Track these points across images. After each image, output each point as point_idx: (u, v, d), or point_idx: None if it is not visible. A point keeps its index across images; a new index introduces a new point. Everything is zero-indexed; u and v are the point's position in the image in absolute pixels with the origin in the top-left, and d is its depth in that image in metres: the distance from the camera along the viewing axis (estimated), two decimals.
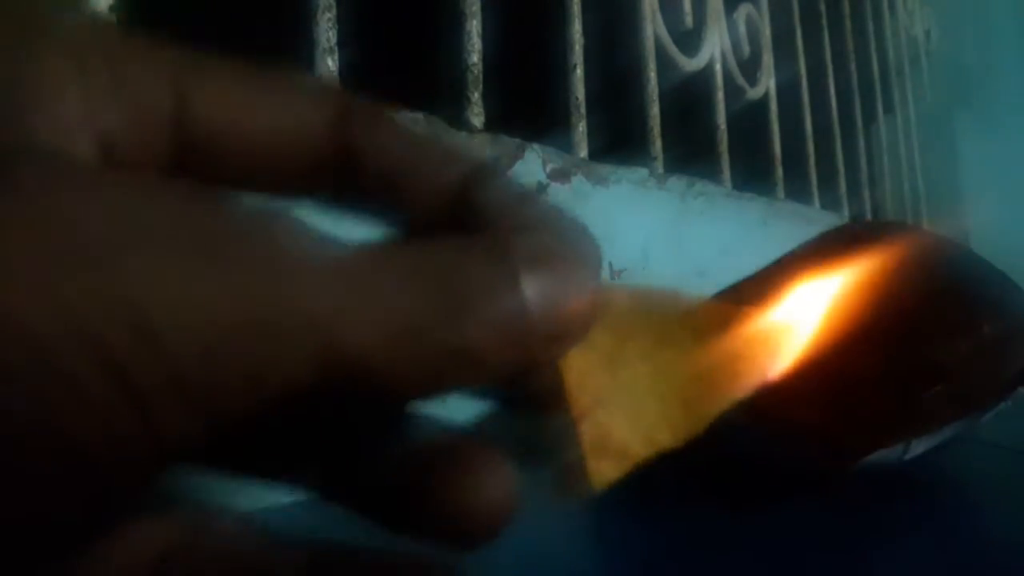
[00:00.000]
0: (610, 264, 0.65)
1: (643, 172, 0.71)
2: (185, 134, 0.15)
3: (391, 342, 0.12)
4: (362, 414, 0.15)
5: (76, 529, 0.12)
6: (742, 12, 0.91)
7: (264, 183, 0.16)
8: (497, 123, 0.60)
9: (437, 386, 0.13)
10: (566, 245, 0.14)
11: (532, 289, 0.13)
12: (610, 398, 0.15)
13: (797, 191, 0.98)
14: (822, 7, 1.10)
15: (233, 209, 0.12)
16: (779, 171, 0.95)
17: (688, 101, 0.82)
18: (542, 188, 0.62)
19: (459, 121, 0.58)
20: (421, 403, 0.15)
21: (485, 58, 0.60)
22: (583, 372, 0.15)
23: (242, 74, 0.16)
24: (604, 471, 0.16)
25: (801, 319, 0.17)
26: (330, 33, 0.51)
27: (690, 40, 0.83)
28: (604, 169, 0.67)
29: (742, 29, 0.90)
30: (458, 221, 0.15)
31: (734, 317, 0.16)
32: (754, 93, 0.92)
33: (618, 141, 0.71)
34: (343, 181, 0.16)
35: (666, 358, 0.16)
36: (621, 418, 0.15)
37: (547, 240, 0.14)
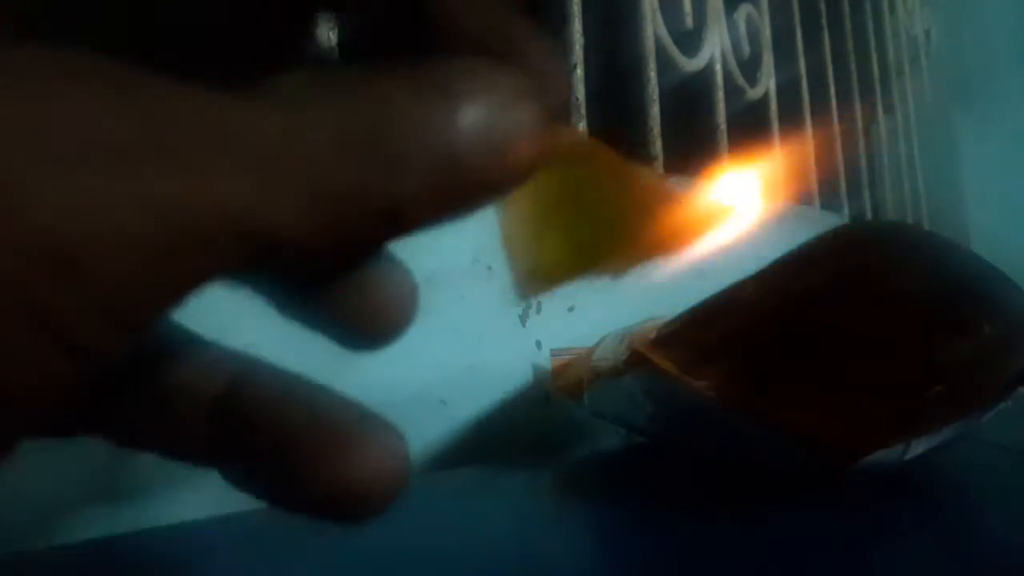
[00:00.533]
0: None
1: None
2: None
3: (316, 214, 0.12)
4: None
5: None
6: (742, 12, 0.91)
7: None
8: None
9: (364, 248, 0.14)
10: (516, 78, 0.13)
11: (470, 134, 0.12)
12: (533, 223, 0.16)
13: (797, 191, 0.98)
14: (822, 7, 1.10)
15: (135, 97, 0.11)
16: (779, 171, 0.94)
17: (688, 101, 0.82)
18: None
19: None
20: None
21: None
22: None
23: None
24: (529, 287, 0.16)
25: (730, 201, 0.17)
26: (330, 33, 0.51)
27: (690, 40, 0.83)
28: None
29: (742, 29, 0.90)
30: (416, 25, 0.14)
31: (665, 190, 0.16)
32: (754, 93, 0.92)
33: (618, 141, 0.71)
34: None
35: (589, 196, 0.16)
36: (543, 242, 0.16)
37: (497, 75, 0.13)
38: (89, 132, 0.10)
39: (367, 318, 0.16)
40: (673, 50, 0.79)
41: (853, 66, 1.16)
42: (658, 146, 0.75)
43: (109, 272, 0.10)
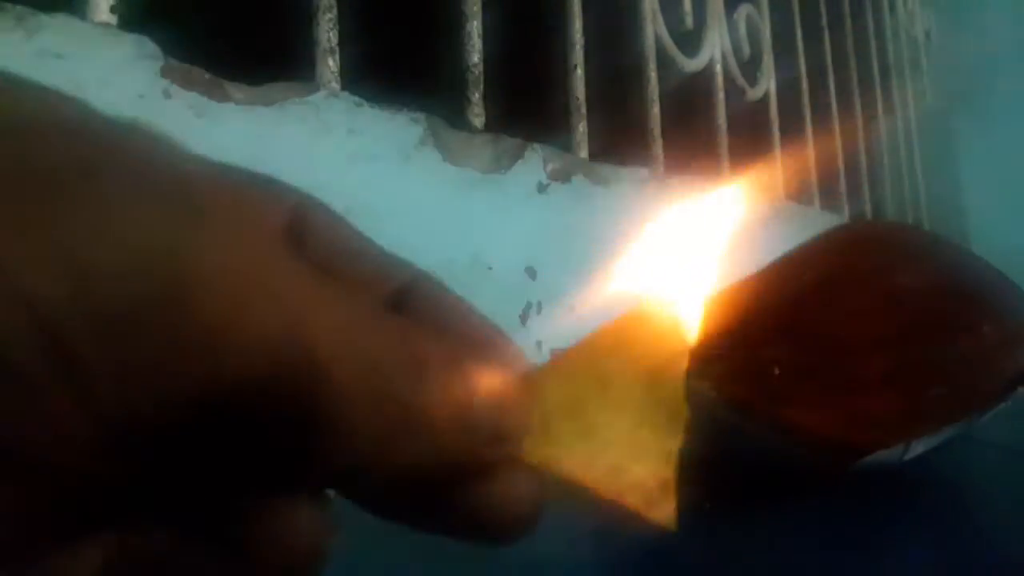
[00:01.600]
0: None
1: (643, 172, 0.71)
2: None
3: (354, 374, 0.13)
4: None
5: (29, 526, 0.12)
6: (742, 12, 0.91)
7: None
8: (497, 123, 0.60)
9: (382, 442, 0.13)
10: (500, 351, 0.16)
11: (478, 379, 0.14)
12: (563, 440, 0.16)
13: (797, 191, 0.98)
14: (822, 7, 1.10)
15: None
16: (779, 171, 0.95)
17: (688, 101, 0.82)
18: (542, 188, 0.62)
19: (459, 121, 0.58)
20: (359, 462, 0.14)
21: (485, 58, 0.61)
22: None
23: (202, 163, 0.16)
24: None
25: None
26: (331, 33, 0.51)
27: (690, 40, 0.83)
28: (604, 169, 0.67)
29: (742, 29, 0.90)
30: None
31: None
32: (754, 93, 0.92)
33: (618, 141, 0.71)
34: None
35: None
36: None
37: (482, 346, 0.15)
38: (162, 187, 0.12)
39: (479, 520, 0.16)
40: (673, 50, 0.79)
41: (853, 66, 1.17)
42: (658, 146, 0.75)
43: (126, 318, 0.11)
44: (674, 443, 0.17)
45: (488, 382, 0.14)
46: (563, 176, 0.63)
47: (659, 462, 0.16)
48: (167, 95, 0.43)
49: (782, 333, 0.36)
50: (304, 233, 0.16)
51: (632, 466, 0.16)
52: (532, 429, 0.15)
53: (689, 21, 0.83)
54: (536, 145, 0.62)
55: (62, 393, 0.10)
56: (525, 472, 0.16)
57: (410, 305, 0.16)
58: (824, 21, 1.10)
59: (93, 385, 0.11)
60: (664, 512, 0.16)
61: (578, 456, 0.16)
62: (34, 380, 0.10)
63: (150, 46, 0.43)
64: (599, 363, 0.16)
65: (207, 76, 0.45)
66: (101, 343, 0.10)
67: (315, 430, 0.13)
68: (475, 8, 0.61)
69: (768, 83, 0.95)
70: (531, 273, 0.58)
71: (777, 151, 0.95)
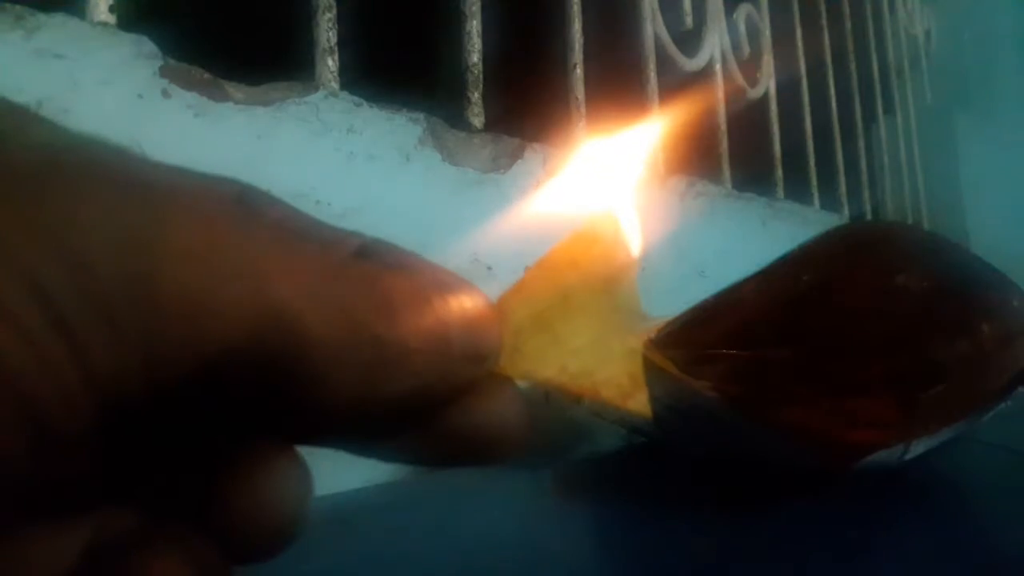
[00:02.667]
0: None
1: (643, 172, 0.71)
2: None
3: (329, 321, 0.14)
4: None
5: (23, 483, 0.12)
6: (742, 12, 0.91)
7: None
8: (497, 123, 0.60)
9: (368, 382, 0.14)
10: (464, 281, 0.16)
11: (448, 307, 0.15)
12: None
13: (797, 191, 0.98)
14: (822, 7, 1.10)
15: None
16: (779, 171, 0.95)
17: (688, 101, 0.82)
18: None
19: (460, 121, 0.58)
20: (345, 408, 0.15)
21: (485, 58, 0.60)
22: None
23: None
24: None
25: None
26: (330, 33, 0.51)
27: (690, 40, 0.83)
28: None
29: (742, 29, 0.90)
30: None
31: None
32: (754, 93, 0.92)
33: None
34: None
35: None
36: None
37: (448, 275, 0.16)
38: (136, 173, 0.13)
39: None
40: (673, 50, 0.79)
41: (853, 66, 1.17)
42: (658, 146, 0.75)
43: (116, 283, 0.12)
44: (635, 341, 0.18)
45: (458, 308, 0.15)
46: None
47: (625, 359, 0.18)
48: (166, 95, 0.43)
49: (782, 333, 0.36)
50: (254, 212, 0.16)
51: (601, 366, 0.17)
52: (505, 347, 0.16)
53: (689, 21, 0.83)
54: (536, 145, 0.62)
55: (68, 367, 0.11)
56: (507, 388, 0.16)
57: (372, 258, 0.16)
58: (824, 21, 1.10)
59: (94, 358, 0.12)
60: (638, 402, 0.18)
61: (551, 365, 0.17)
62: (39, 351, 0.11)
63: (149, 46, 0.43)
64: (558, 279, 0.17)
65: (206, 76, 0.45)
66: (99, 320, 0.12)
67: (298, 378, 0.13)
68: (474, 8, 0.60)
69: (768, 83, 0.95)
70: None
71: (777, 151, 0.95)
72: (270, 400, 0.14)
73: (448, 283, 0.16)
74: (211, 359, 0.13)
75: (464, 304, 0.16)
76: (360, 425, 0.15)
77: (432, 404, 0.15)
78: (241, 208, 0.14)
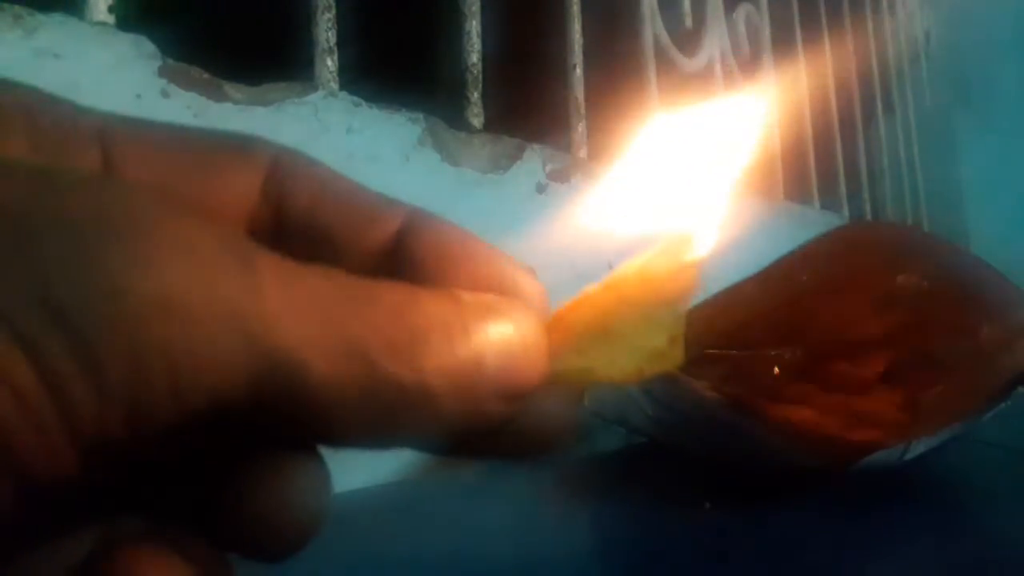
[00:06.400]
0: (609, 264, 0.65)
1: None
2: None
3: (337, 364, 0.12)
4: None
5: (6, 525, 0.12)
6: (742, 12, 0.91)
7: None
8: (497, 123, 0.60)
9: (385, 425, 0.13)
10: (512, 303, 0.15)
11: (484, 340, 0.13)
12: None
13: (797, 191, 0.98)
14: (822, 7, 1.10)
15: (166, 206, 0.12)
16: (779, 171, 0.95)
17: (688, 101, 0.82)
18: (541, 188, 0.62)
19: (459, 121, 0.58)
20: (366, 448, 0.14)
21: (485, 58, 0.60)
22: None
23: (168, 137, 0.16)
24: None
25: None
26: (330, 33, 0.51)
27: (690, 40, 0.83)
28: (604, 169, 0.67)
29: (742, 29, 0.90)
30: (395, 273, 0.15)
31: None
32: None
33: (618, 141, 0.71)
34: (276, 240, 0.15)
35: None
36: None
37: (492, 299, 0.14)
38: (113, 211, 0.12)
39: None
40: (673, 50, 0.79)
41: (853, 66, 1.16)
42: None
43: (96, 331, 0.11)
44: (678, 311, 0.17)
45: (496, 339, 0.14)
46: (562, 176, 0.63)
47: (667, 329, 0.17)
48: (165, 95, 0.43)
49: (782, 333, 0.36)
50: (284, 185, 0.16)
51: (651, 366, 0.17)
52: (557, 355, 0.15)
53: (689, 21, 0.82)
54: (535, 145, 0.62)
55: (50, 415, 0.11)
56: (551, 395, 0.15)
57: (409, 248, 0.15)
58: (824, 21, 1.10)
59: (75, 408, 0.11)
60: (674, 357, 0.17)
61: (605, 364, 0.16)
62: (18, 398, 0.11)
63: (148, 46, 0.43)
64: (624, 297, 0.17)
65: (205, 76, 0.45)
66: (81, 369, 0.11)
67: (307, 426, 0.13)
68: (474, 8, 0.60)
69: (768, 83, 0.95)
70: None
71: (777, 150, 0.95)
72: (271, 440, 0.13)
73: (486, 302, 0.14)
74: (201, 411, 0.12)
75: (504, 330, 0.14)
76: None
77: (456, 440, 0.14)
78: (264, 190, 0.13)
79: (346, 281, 0.13)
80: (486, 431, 0.14)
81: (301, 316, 0.12)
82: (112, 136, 0.15)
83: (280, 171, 0.16)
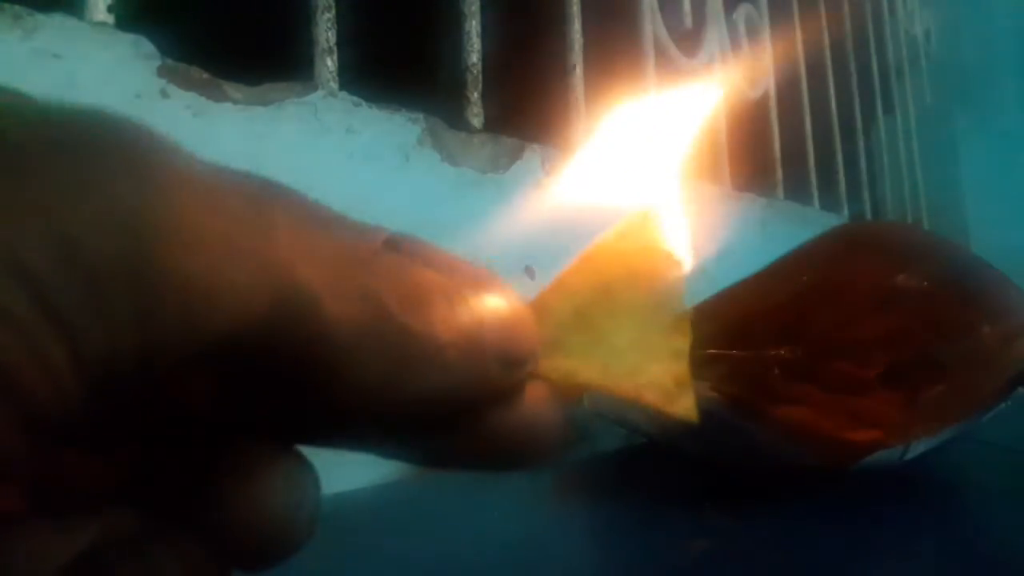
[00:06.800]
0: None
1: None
2: None
3: (351, 306, 0.12)
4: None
5: (18, 469, 0.11)
6: (742, 12, 0.91)
7: None
8: (497, 123, 0.60)
9: (394, 375, 0.13)
10: (498, 280, 0.15)
11: (481, 307, 0.14)
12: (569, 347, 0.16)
13: (797, 191, 0.98)
14: (822, 7, 1.10)
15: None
16: (779, 171, 0.95)
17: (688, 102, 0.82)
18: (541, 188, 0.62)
19: (459, 121, 0.58)
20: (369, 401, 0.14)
21: (485, 58, 0.60)
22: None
23: None
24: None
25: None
26: (330, 33, 0.51)
27: (690, 40, 0.83)
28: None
29: (742, 29, 0.90)
30: None
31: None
32: (754, 93, 0.92)
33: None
34: None
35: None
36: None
37: (484, 272, 0.15)
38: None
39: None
40: (673, 50, 0.79)
41: (853, 66, 1.16)
42: None
43: (106, 264, 0.11)
44: (681, 341, 0.17)
45: (493, 308, 0.14)
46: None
47: (670, 360, 0.17)
48: (164, 95, 0.43)
49: (782, 333, 0.36)
50: (272, 195, 0.16)
51: (646, 367, 0.16)
52: (542, 350, 0.15)
53: (689, 21, 0.82)
54: (535, 145, 0.62)
55: (55, 350, 0.11)
56: (542, 389, 0.15)
57: (401, 251, 0.15)
58: (824, 21, 1.10)
59: (82, 341, 0.11)
60: (684, 406, 0.17)
61: (593, 366, 0.16)
62: (21, 332, 0.10)
63: (147, 46, 0.43)
64: (599, 276, 0.17)
65: (205, 76, 0.45)
66: (87, 301, 0.11)
67: (313, 369, 0.12)
68: (474, 8, 0.60)
69: (768, 83, 0.95)
70: (530, 273, 0.57)
71: (777, 151, 0.95)
72: (280, 392, 0.13)
73: (484, 281, 0.15)
74: (214, 343, 0.12)
75: (500, 305, 0.15)
76: (376, 427, 0.14)
77: (458, 410, 0.14)
78: (259, 189, 0.13)
79: (362, 241, 0.14)
80: (490, 400, 0.14)
81: (320, 261, 0.12)
82: None
83: (272, 194, 0.16)
